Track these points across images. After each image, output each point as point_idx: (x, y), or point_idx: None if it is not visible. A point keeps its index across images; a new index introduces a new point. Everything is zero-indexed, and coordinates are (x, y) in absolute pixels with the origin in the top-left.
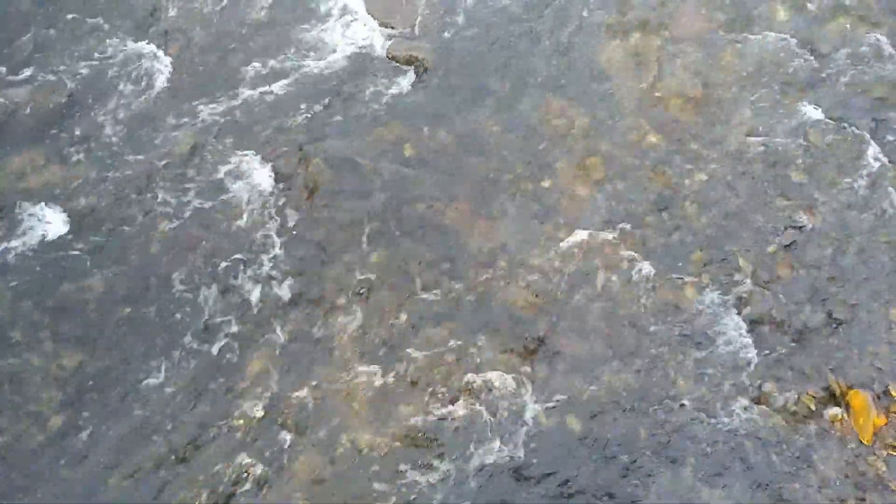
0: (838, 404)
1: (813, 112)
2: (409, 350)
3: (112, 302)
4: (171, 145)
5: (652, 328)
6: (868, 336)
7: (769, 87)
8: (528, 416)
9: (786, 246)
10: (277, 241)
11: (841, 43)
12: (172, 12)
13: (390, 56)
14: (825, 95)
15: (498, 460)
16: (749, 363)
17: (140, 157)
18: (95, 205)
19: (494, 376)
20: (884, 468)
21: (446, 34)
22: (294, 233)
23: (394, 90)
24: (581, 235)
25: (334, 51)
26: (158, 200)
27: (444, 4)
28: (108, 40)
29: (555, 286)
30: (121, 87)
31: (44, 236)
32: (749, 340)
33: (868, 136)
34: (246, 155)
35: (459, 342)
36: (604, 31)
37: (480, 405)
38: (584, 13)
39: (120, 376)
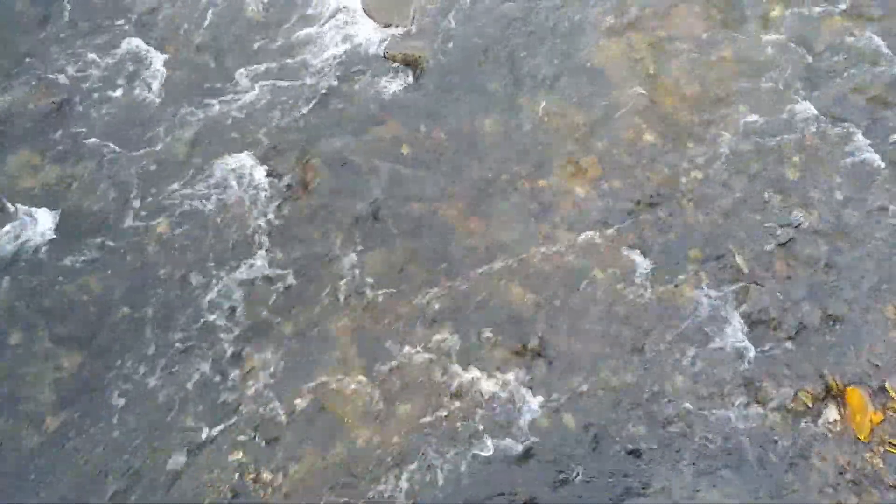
0: (835, 401)
1: (809, 110)
2: (407, 349)
3: (109, 302)
4: (168, 145)
5: (649, 326)
6: (864, 333)
7: (765, 86)
8: (526, 414)
9: (782, 244)
10: (274, 240)
11: (836, 41)
12: (169, 12)
13: (387, 55)
14: (821, 93)
15: (496, 458)
16: (746, 360)
17: (136, 157)
18: (92, 205)
19: (492, 374)
20: (881, 464)
21: (443, 33)
22: (291, 232)
23: (391, 89)
24: (578, 234)
25: (331, 50)
26: (155, 201)
27: (441, 3)
28: (104, 41)
29: (552, 284)
30: (117, 87)
31: (40, 237)
32: (746, 338)
33: (863, 133)
34: (243, 155)
35: (457, 341)
36: (600, 29)
37: (478, 403)
38: (581, 12)
39: (117, 377)
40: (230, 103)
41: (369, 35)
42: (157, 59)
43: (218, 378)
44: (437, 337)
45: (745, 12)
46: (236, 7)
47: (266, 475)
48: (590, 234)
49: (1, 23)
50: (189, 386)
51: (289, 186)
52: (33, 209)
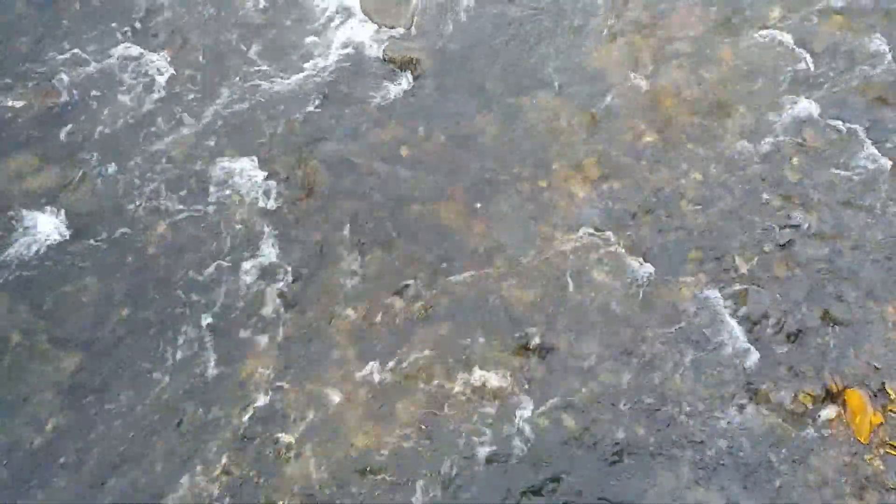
0: (835, 403)
1: (808, 111)
2: (406, 350)
3: (109, 304)
4: (168, 147)
5: (649, 327)
6: (864, 334)
7: (764, 87)
8: (525, 415)
9: (782, 245)
10: (275, 242)
11: (835, 42)
12: (169, 14)
13: (387, 57)
14: (820, 94)
15: (495, 459)
16: (746, 362)
17: (137, 159)
18: (92, 207)
19: (492, 375)
20: (881, 466)
21: (443, 35)
22: (291, 233)
23: (390, 91)
24: (578, 235)
25: (331, 52)
26: (156, 202)
27: (440, 5)
28: (104, 43)
29: (552, 286)
30: (118, 89)
31: (41, 238)
32: (746, 339)
33: (863, 134)
34: (243, 156)
35: (457, 341)
36: (600, 31)
37: (478, 404)
38: (580, 13)
39: (117, 378)
40: (230, 105)
41: (368, 37)
42: (157, 61)
43: (218, 379)
44: (437, 337)
45: (744, 14)
46: (236, 9)
47: (265, 476)
48: (589, 234)
49: (1, 24)
50: (189, 387)
51: (288, 188)
52: (34, 210)
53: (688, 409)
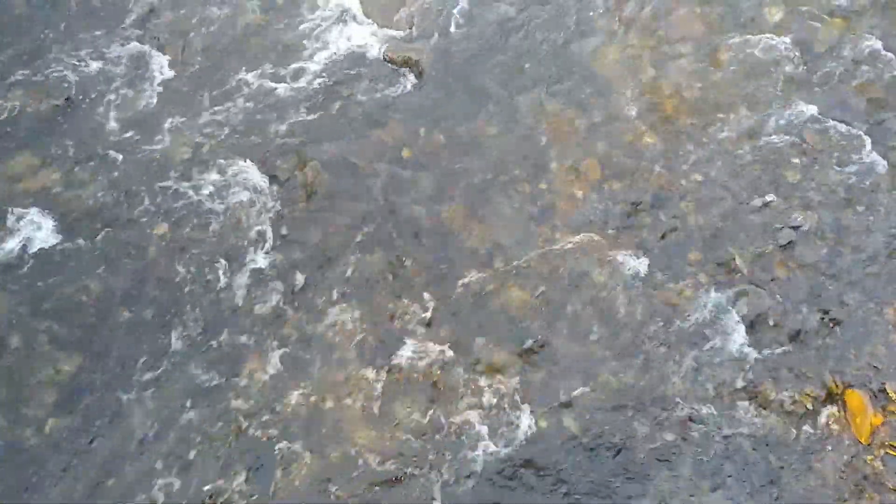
0: (835, 404)
1: (808, 112)
2: (406, 351)
3: (109, 304)
4: (168, 148)
5: (649, 328)
6: (864, 335)
7: (764, 88)
8: (525, 416)
9: (782, 246)
10: (275, 243)
11: (835, 43)
12: (169, 16)
13: (387, 58)
14: (820, 95)
15: (495, 461)
16: (746, 363)
17: (137, 159)
18: (92, 207)
19: (492, 377)
20: (881, 467)
21: (443, 36)
22: (291, 235)
23: (391, 92)
24: (578, 236)
25: (331, 53)
26: (155, 203)
27: (441, 7)
28: (104, 43)
29: (552, 287)
30: (117, 90)
31: (40, 239)
32: (746, 340)
33: (863, 135)
34: (243, 157)
35: (457, 343)
36: (600, 32)
37: (478, 406)
38: (580, 15)
39: (117, 379)
40: (231, 106)
41: (369, 38)
42: (158, 62)
43: (218, 379)
44: (437, 339)
45: (744, 15)
46: (237, 10)
47: (265, 477)
48: (590, 236)
49: (1, 25)
50: (189, 387)
51: (289, 189)
52: (33, 211)
53: (688, 409)
